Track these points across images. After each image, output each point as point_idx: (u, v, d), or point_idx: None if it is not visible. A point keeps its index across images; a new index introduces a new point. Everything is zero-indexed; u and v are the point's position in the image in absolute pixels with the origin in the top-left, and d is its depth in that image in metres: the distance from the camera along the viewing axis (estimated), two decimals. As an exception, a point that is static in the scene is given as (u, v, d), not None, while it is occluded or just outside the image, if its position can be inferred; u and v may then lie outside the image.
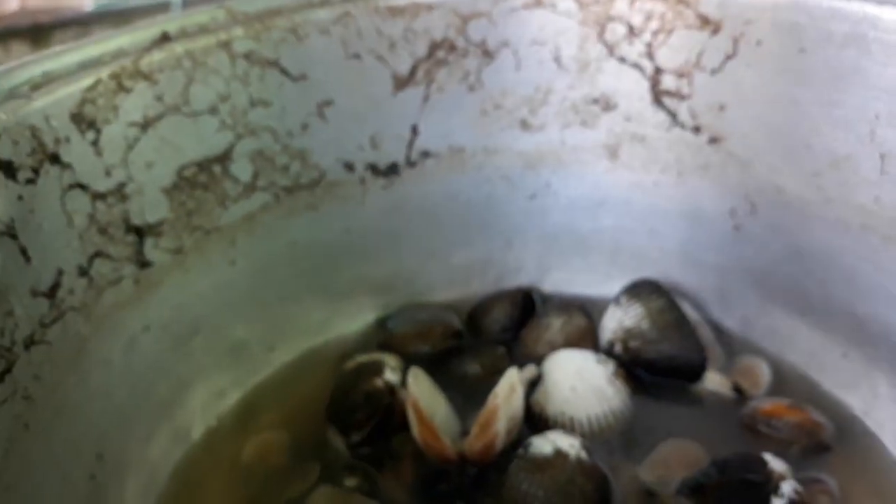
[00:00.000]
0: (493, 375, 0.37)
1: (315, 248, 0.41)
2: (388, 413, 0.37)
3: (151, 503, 0.34)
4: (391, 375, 0.38)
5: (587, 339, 0.42)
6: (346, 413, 0.37)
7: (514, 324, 0.43)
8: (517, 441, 0.35)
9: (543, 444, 0.34)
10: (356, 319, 0.43)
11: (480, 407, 0.35)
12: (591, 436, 0.37)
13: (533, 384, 0.39)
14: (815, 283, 0.39)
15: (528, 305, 0.44)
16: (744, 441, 0.37)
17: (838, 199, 0.36)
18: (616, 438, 0.37)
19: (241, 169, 0.38)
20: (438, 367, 0.40)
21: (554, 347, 0.40)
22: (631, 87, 0.40)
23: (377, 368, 0.39)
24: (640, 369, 0.40)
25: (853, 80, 0.34)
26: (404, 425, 0.36)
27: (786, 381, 0.40)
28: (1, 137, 0.29)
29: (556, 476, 0.33)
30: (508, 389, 0.35)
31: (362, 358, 0.40)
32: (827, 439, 0.37)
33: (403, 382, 0.38)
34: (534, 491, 0.33)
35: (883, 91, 0.33)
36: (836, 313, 0.38)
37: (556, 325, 0.42)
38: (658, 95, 0.40)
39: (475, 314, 0.44)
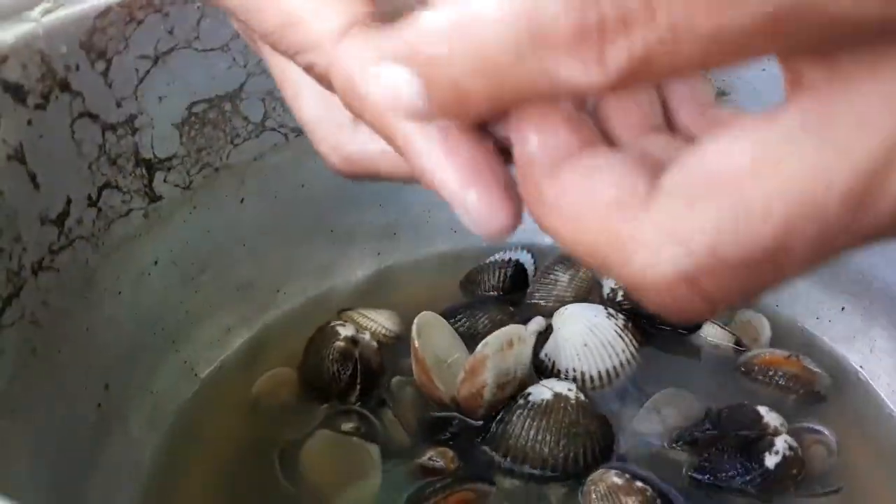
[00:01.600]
0: None
1: (322, 192, 0.41)
2: (366, 363, 0.37)
3: (156, 435, 0.35)
4: (346, 331, 0.38)
5: (594, 291, 0.42)
6: (331, 385, 0.37)
7: (506, 286, 0.43)
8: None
9: (542, 391, 0.35)
10: (360, 264, 0.44)
11: None
12: (601, 388, 0.37)
13: (543, 338, 0.39)
14: (816, 236, 0.39)
15: (520, 273, 0.44)
16: (740, 391, 0.37)
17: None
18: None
19: (252, 108, 0.38)
20: (449, 322, 0.40)
21: (564, 302, 0.41)
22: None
23: (332, 334, 0.38)
24: (641, 317, 0.40)
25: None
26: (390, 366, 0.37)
27: (784, 334, 0.41)
28: (9, 60, 0.29)
29: (561, 418, 0.34)
30: (501, 343, 0.34)
31: (314, 333, 0.39)
32: (823, 390, 0.37)
33: (359, 330, 0.38)
34: (542, 436, 0.33)
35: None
36: (835, 268, 0.39)
37: (563, 280, 0.42)
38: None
39: (472, 276, 0.44)
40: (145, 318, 0.35)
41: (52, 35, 0.30)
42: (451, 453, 0.34)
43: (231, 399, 0.37)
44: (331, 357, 0.37)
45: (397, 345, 0.39)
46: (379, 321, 0.40)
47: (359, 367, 0.37)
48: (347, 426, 0.36)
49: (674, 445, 0.35)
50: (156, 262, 0.35)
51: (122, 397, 0.33)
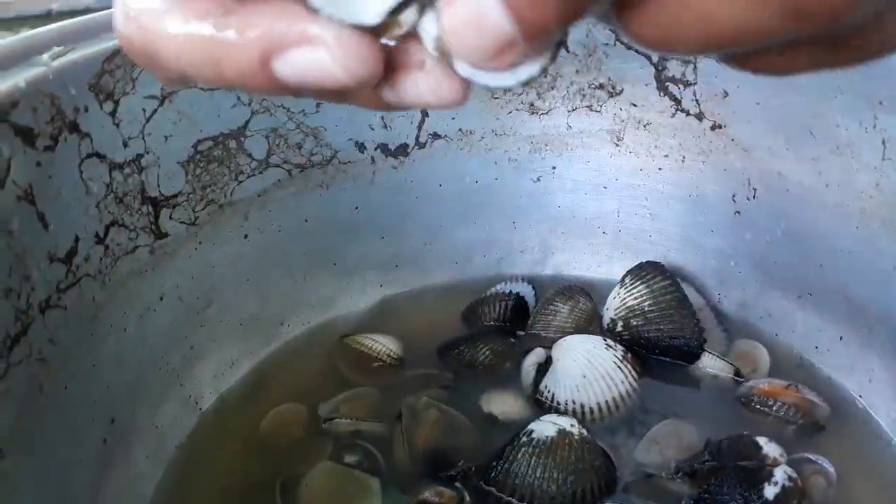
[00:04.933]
0: (503, 361, 0.40)
1: (325, 225, 0.42)
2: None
3: (161, 468, 0.35)
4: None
5: (593, 321, 0.42)
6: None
7: (506, 318, 0.43)
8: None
9: (544, 427, 0.35)
10: (363, 295, 0.44)
11: (490, 391, 0.37)
12: (600, 420, 0.37)
13: (542, 368, 0.39)
14: (813, 267, 0.40)
15: (520, 305, 0.44)
16: (740, 421, 0.37)
17: (839, 184, 0.37)
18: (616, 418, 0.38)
19: (256, 145, 0.38)
20: (450, 353, 0.41)
21: (564, 333, 0.41)
22: (636, 73, 0.41)
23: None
24: (640, 348, 0.41)
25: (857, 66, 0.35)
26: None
27: (783, 364, 0.41)
28: (20, 104, 0.29)
29: (567, 455, 0.34)
30: None
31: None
32: (822, 419, 0.38)
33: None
34: (549, 474, 0.33)
35: (886, 77, 0.34)
36: (833, 297, 0.39)
37: (563, 311, 0.43)
38: (663, 81, 0.41)
39: (473, 307, 0.44)
40: (151, 354, 0.35)
41: (62, 78, 0.31)
42: (449, 493, 0.34)
43: (235, 432, 0.37)
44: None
45: (401, 368, 0.40)
46: (384, 343, 0.40)
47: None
48: (351, 459, 0.36)
49: (674, 476, 0.35)
50: (161, 298, 0.36)
51: (128, 432, 0.33)
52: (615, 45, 0.41)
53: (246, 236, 0.39)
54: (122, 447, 0.33)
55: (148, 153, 0.34)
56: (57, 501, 0.29)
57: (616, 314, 0.41)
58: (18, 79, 0.30)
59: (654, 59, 0.40)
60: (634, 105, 0.42)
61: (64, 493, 0.30)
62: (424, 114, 0.42)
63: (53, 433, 0.30)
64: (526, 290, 0.45)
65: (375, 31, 0.14)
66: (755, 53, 0.15)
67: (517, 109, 0.43)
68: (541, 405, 0.38)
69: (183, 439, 0.36)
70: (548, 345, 0.40)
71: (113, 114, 0.33)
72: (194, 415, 0.37)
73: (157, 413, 0.35)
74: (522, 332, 0.43)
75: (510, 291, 0.44)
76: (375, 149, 0.42)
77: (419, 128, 0.42)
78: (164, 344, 0.36)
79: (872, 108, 0.35)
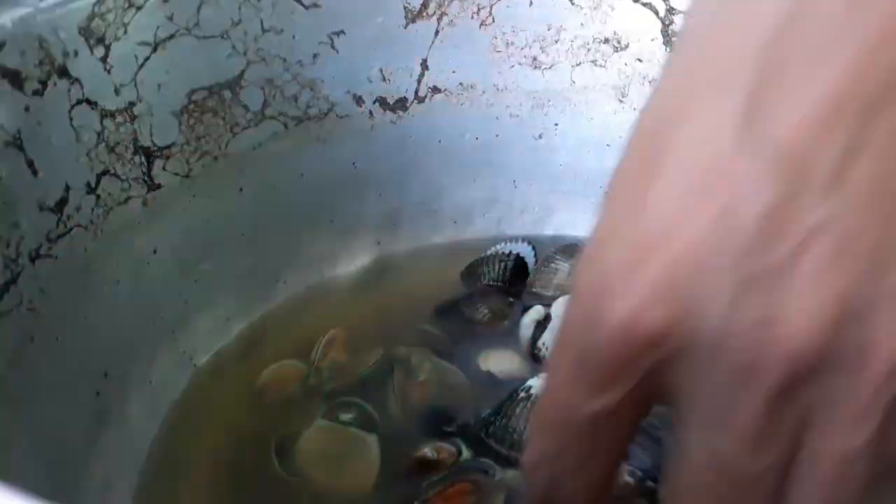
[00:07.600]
0: (501, 320, 0.40)
1: (322, 181, 0.41)
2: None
3: (155, 423, 0.34)
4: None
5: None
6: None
7: (506, 278, 0.43)
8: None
9: (542, 383, 0.35)
10: (360, 253, 0.44)
11: (489, 349, 0.36)
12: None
13: (541, 326, 0.39)
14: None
15: (520, 266, 0.44)
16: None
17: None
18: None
19: (251, 96, 0.37)
20: (449, 312, 0.41)
21: (564, 292, 0.40)
22: (643, 27, 0.40)
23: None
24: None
25: None
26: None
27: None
28: (7, 45, 0.28)
29: (565, 410, 0.34)
30: None
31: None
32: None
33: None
34: None
35: None
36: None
37: (564, 269, 0.42)
38: (670, 36, 0.40)
39: (472, 267, 0.44)
40: (144, 308, 0.35)
41: (51, 20, 0.30)
42: (448, 448, 0.33)
43: (230, 389, 0.37)
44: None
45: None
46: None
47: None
48: (346, 417, 0.36)
49: (671, 426, 0.35)
50: (155, 251, 0.35)
51: (121, 386, 0.33)
52: (622, -3, 0.40)
53: (241, 190, 0.38)
54: (115, 402, 0.33)
55: (140, 101, 0.34)
56: (51, 453, 0.29)
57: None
58: (5, 18, 0.29)
59: (661, 13, 0.40)
60: (640, 60, 0.41)
61: (58, 445, 0.29)
62: (424, 66, 0.41)
63: (46, 385, 0.29)
64: (526, 251, 0.44)
65: None
66: None
67: (520, 64, 0.42)
68: (539, 361, 0.38)
69: (177, 395, 0.36)
70: (547, 303, 0.39)
71: (104, 59, 0.32)
72: (189, 371, 0.37)
73: (151, 368, 0.35)
74: (522, 292, 0.42)
75: (510, 252, 0.44)
76: (374, 102, 0.41)
77: (418, 81, 0.41)
78: (157, 298, 0.35)
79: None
